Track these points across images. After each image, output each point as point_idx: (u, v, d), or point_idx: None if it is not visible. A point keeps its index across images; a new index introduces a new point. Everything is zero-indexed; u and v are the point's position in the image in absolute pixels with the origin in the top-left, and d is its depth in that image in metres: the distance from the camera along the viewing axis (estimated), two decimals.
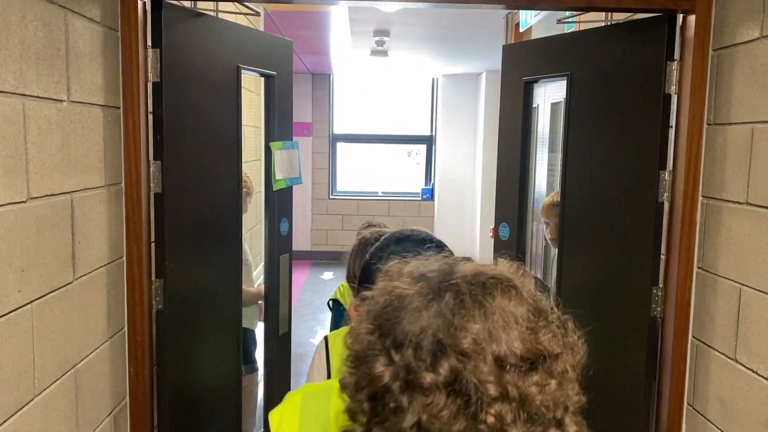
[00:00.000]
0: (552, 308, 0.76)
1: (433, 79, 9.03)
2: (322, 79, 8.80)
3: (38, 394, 1.46)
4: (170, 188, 2.06)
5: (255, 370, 3.03)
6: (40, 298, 1.46)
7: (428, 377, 0.67)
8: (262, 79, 2.79)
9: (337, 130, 9.08)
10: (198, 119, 2.21)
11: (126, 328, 1.97)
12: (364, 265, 1.17)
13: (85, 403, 1.71)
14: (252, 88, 4.12)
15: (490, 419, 0.67)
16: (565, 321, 0.76)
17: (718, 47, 1.87)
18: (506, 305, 0.72)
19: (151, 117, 2.03)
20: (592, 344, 2.32)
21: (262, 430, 2.91)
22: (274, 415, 1.06)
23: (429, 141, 9.13)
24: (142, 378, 1.99)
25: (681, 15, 1.97)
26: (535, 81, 2.63)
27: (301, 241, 8.63)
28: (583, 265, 2.37)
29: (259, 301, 2.98)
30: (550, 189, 3.83)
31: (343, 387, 0.76)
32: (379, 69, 8.26)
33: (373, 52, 6.78)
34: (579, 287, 2.38)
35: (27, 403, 1.41)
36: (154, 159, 2.03)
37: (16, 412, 1.37)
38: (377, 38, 5.95)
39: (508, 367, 0.68)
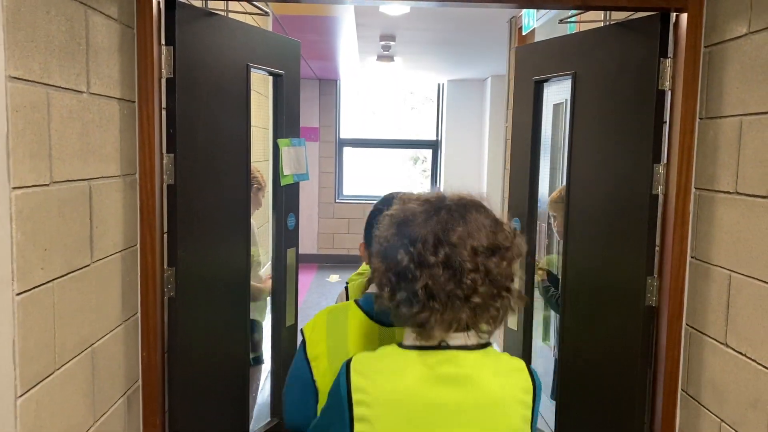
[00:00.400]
0: (506, 221, 1.20)
1: (438, 85, 9.12)
2: (329, 85, 8.91)
3: (58, 368, 1.54)
4: (182, 180, 2.15)
5: (260, 362, 3.10)
6: (60, 277, 1.55)
7: (432, 258, 1.12)
8: (270, 80, 2.88)
9: (344, 134, 9.18)
10: (209, 114, 2.30)
11: (139, 314, 2.05)
12: (370, 214, 1.57)
13: (101, 381, 1.79)
14: (261, 90, 4.21)
15: (468, 282, 1.12)
16: (514, 230, 1.20)
17: (709, 44, 1.95)
18: (478, 217, 1.17)
19: (164, 112, 2.12)
20: (591, 333, 2.46)
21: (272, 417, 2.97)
22: (307, 327, 1.43)
23: (435, 146, 9.22)
24: (154, 362, 2.07)
25: (674, 13, 2.05)
26: (545, 80, 2.70)
27: (307, 245, 8.72)
28: (584, 257, 2.44)
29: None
30: (551, 189, 3.90)
31: (374, 270, 1.22)
32: (385, 74, 8.36)
33: (380, 57, 6.89)
34: (581, 278, 2.46)
35: (48, 376, 1.49)
36: (167, 152, 2.12)
37: (39, 382, 1.45)
38: (383, 43, 6.04)
39: (478, 253, 1.13)
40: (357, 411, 1.15)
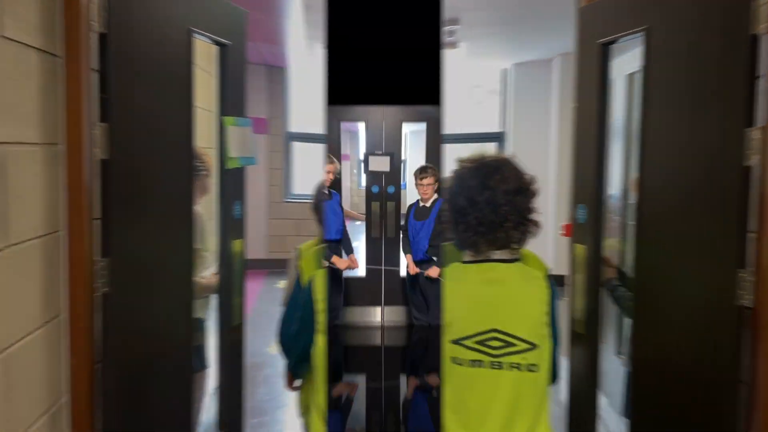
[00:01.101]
0: (526, 173, 1.73)
1: (503, 71, 8.49)
2: (277, 72, 8.63)
3: None
4: (118, 154, 1.91)
5: (205, 366, 2.85)
6: None
7: (479, 198, 1.68)
8: (215, 53, 2.67)
9: (294, 128, 8.92)
10: (149, 80, 2.07)
11: (67, 313, 1.79)
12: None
13: (17, 398, 1.53)
14: (207, 68, 3.96)
15: (503, 211, 1.66)
16: (532, 177, 1.73)
17: None
18: (508, 169, 1.71)
19: (97, 76, 1.87)
20: (669, 340, 2.22)
21: None
22: (301, 246, 2.13)
23: (499, 138, 8.54)
24: (85, 371, 1.82)
25: None
26: (612, 42, 2.45)
27: (256, 249, 8.40)
28: (660, 247, 2.19)
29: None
30: (626, 176, 3.62)
31: (443, 210, 1.81)
32: (448, 63, 7.90)
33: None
34: (656, 273, 2.20)
35: None
36: (101, 121, 1.88)
37: None
38: (447, 28, 5.80)
39: (509, 193, 1.67)
40: None
